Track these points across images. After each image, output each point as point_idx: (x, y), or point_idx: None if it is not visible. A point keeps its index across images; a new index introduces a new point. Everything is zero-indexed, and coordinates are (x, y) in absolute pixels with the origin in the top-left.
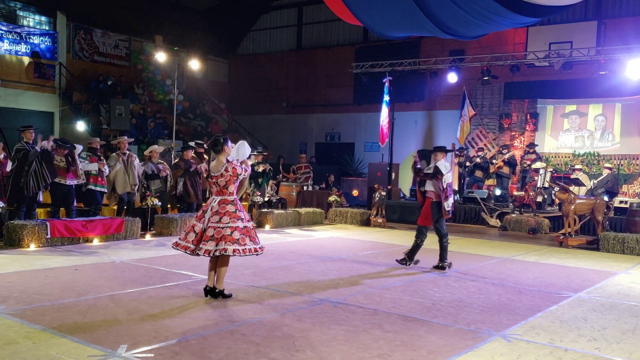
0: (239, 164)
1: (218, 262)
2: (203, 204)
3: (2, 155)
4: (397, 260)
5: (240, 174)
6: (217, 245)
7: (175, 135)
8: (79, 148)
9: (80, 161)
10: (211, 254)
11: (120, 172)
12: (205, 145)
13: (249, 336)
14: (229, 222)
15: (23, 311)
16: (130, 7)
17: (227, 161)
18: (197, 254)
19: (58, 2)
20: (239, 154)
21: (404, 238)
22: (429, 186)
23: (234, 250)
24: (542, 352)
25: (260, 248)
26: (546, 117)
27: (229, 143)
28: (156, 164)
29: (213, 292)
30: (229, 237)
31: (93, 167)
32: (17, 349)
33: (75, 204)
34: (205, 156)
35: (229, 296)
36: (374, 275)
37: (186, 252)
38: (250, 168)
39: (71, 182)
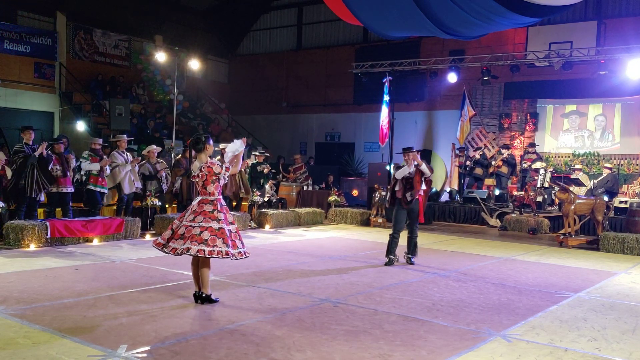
0: (218, 163)
1: (198, 264)
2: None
3: (2, 164)
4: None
5: (220, 173)
6: (184, 244)
7: (175, 135)
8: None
9: (81, 161)
10: (176, 253)
11: (128, 172)
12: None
13: (249, 336)
14: (201, 222)
15: (23, 311)
16: (130, 7)
17: (206, 161)
18: (164, 252)
19: (58, 2)
20: (231, 148)
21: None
22: (423, 185)
23: (197, 250)
24: (542, 352)
25: (239, 253)
26: (546, 117)
27: (211, 142)
28: (153, 164)
29: (200, 297)
30: (197, 237)
31: (94, 167)
32: (17, 349)
33: (71, 203)
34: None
35: (216, 301)
36: (374, 275)
37: (157, 249)
38: (237, 168)
39: (66, 189)
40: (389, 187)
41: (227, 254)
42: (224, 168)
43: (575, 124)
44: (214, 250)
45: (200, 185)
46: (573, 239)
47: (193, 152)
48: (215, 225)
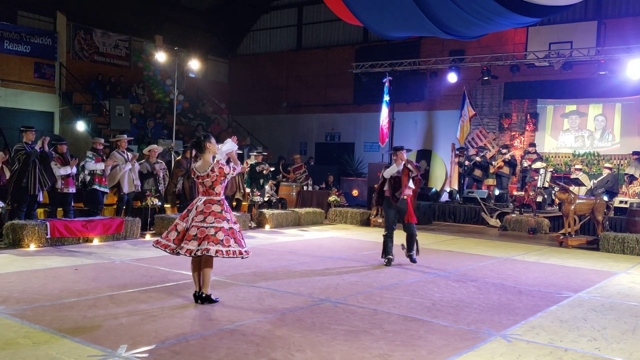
0: (226, 164)
1: (201, 263)
2: (189, 204)
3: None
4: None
5: (229, 174)
6: (199, 245)
7: (175, 135)
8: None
9: (87, 160)
10: (192, 254)
11: (127, 171)
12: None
13: (249, 336)
14: (213, 222)
15: (23, 311)
16: (130, 7)
17: (214, 161)
18: (178, 253)
19: (58, 2)
20: (226, 147)
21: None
22: (411, 184)
23: (216, 251)
24: (542, 352)
25: (245, 252)
26: (546, 117)
27: (212, 140)
28: (152, 164)
29: (200, 297)
30: (213, 237)
31: (100, 167)
32: (17, 349)
33: (72, 204)
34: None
35: (216, 301)
36: (374, 275)
37: (166, 251)
38: (239, 166)
39: (68, 189)
40: (376, 186)
41: (240, 253)
42: (231, 168)
43: (575, 124)
44: (230, 251)
45: (207, 186)
46: (573, 239)
47: (194, 152)
48: (226, 225)
